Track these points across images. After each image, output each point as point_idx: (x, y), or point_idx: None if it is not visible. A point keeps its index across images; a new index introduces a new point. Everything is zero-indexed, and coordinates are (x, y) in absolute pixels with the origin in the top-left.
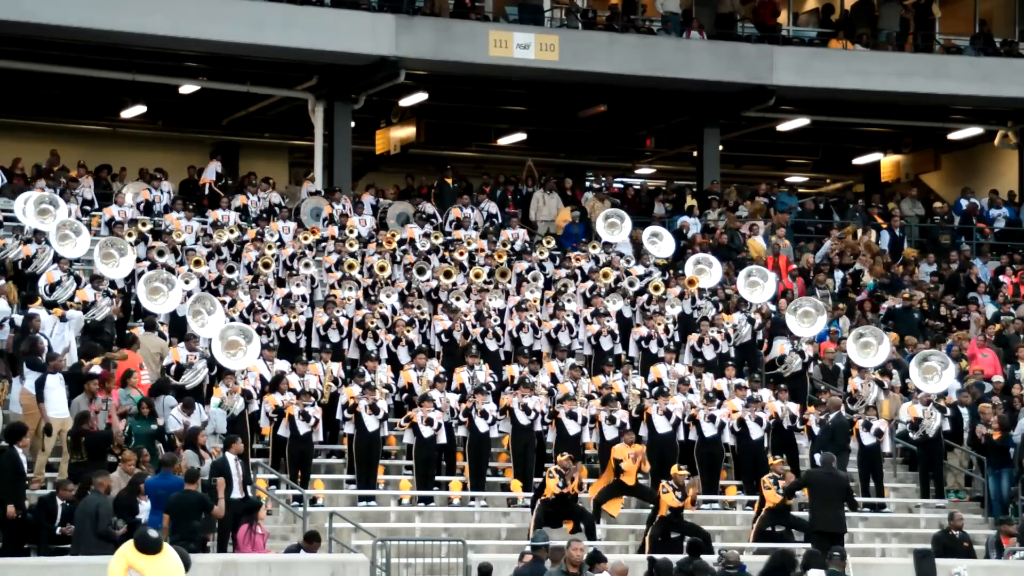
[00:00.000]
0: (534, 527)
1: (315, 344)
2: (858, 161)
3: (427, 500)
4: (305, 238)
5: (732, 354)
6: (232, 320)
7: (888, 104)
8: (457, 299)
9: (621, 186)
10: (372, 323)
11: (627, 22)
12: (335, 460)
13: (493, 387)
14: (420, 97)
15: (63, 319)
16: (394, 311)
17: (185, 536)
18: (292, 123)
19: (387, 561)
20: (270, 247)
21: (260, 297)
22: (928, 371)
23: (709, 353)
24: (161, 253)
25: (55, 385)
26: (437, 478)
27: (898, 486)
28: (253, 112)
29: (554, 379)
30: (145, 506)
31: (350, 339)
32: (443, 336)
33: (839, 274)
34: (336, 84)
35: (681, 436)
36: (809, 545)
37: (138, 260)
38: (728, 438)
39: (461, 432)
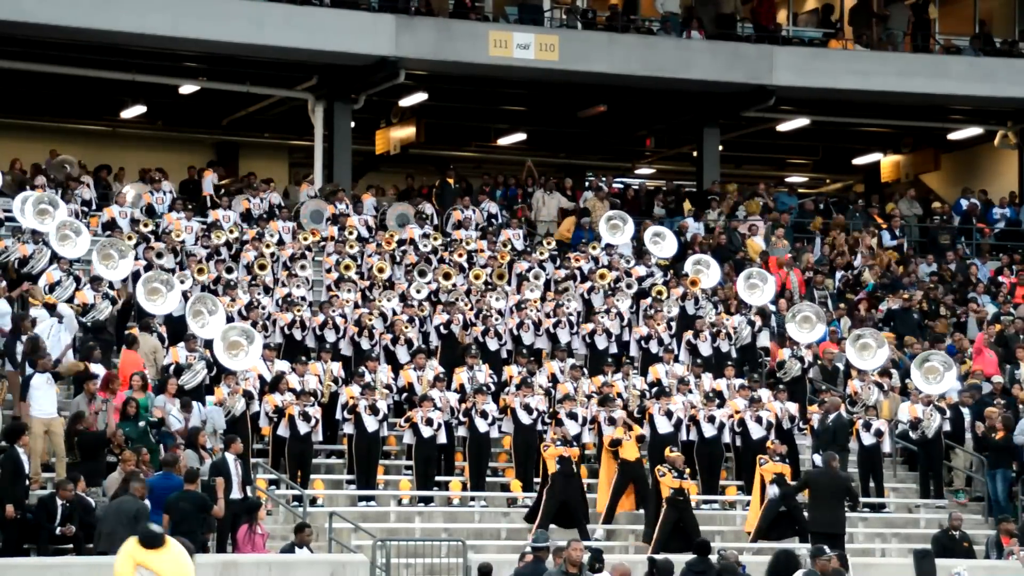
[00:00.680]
0: (538, 526)
1: (311, 344)
2: (858, 161)
3: (427, 500)
4: (305, 239)
5: (733, 354)
6: (232, 317)
7: (888, 104)
8: (457, 300)
9: (621, 186)
10: (369, 321)
11: (627, 22)
12: (335, 460)
13: (492, 387)
14: (420, 97)
15: (58, 318)
16: (394, 312)
17: (185, 536)
18: (292, 123)
19: (387, 561)
20: (268, 246)
21: (259, 295)
22: (930, 372)
23: (705, 349)
24: (160, 255)
25: (41, 384)
26: (437, 478)
27: (898, 486)
28: (253, 112)
29: (554, 379)
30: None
31: (346, 338)
32: (442, 328)
33: (839, 274)
34: (336, 84)
35: (683, 436)
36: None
37: (136, 259)
38: (728, 438)
39: (461, 432)
